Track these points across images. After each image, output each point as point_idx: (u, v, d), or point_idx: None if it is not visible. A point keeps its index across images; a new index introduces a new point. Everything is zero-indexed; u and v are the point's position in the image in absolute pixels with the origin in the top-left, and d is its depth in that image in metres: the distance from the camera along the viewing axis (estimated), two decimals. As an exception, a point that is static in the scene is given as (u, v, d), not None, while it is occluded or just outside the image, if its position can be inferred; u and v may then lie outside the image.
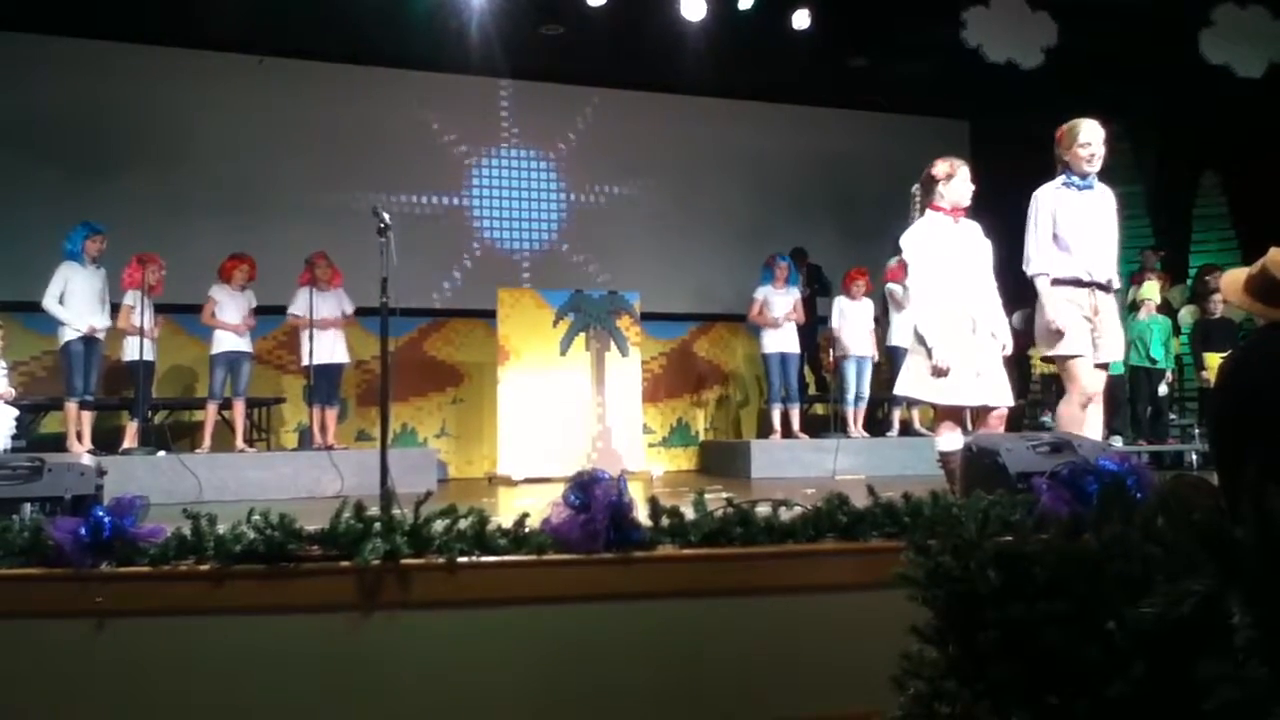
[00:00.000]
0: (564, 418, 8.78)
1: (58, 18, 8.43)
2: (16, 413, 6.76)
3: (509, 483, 8.33)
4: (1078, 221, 4.61)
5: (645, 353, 9.67)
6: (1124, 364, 8.76)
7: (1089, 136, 4.66)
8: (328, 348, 7.93)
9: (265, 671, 3.04)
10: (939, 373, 4.50)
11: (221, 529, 3.12)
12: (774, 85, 10.26)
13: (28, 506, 3.73)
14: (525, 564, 3.18)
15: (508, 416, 8.77)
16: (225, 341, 7.75)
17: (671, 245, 10.42)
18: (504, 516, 3.36)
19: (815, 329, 9.53)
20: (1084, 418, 4.53)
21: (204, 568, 3.06)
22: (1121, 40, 8.52)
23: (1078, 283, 4.60)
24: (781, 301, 8.90)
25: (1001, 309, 4.81)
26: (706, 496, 3.44)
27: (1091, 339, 4.56)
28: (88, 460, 4.20)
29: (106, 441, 7.60)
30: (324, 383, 7.97)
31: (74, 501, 3.81)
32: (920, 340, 4.60)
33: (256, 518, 3.10)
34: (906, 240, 4.74)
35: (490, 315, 9.13)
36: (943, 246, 4.64)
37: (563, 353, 8.96)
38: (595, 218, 10.45)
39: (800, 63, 9.47)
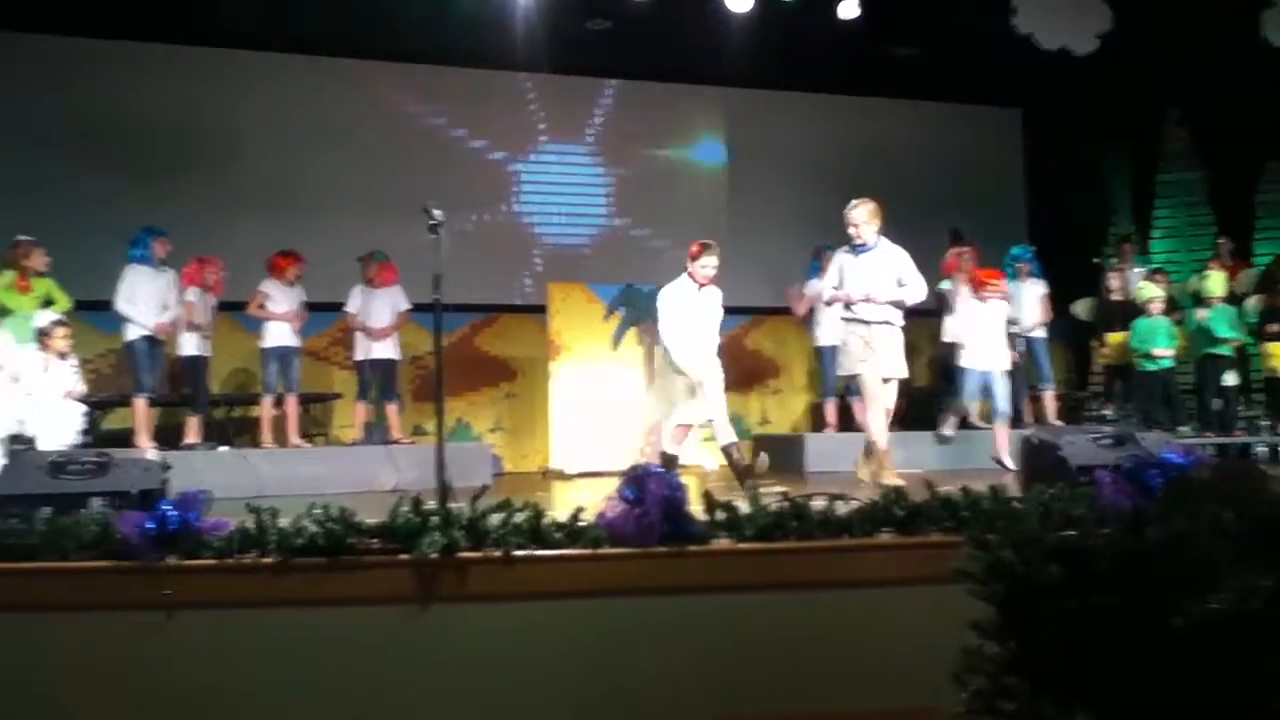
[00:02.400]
0: (616, 412, 8.79)
1: (112, 21, 8.58)
2: (85, 409, 6.91)
3: (562, 477, 8.37)
4: (854, 278, 6.13)
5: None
6: (1173, 357, 8.58)
7: (852, 219, 6.17)
8: (380, 344, 8.01)
9: (326, 662, 3.10)
10: (692, 389, 6.28)
11: (283, 522, 3.17)
12: (821, 76, 10.16)
13: (96, 501, 3.81)
14: (580, 558, 3.21)
15: (560, 411, 8.81)
16: (276, 336, 7.85)
17: (722, 238, 10.36)
18: (559, 511, 3.39)
19: None
20: (882, 415, 6.07)
21: (267, 560, 3.12)
22: (1179, 23, 8.33)
23: (859, 321, 6.11)
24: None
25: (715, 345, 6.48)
26: (761, 491, 3.44)
27: (874, 362, 6.04)
28: (153, 455, 4.29)
29: (167, 437, 7.75)
30: (379, 379, 8.06)
31: (140, 496, 3.89)
32: (679, 371, 6.36)
33: (317, 511, 3.16)
34: (661, 296, 6.51)
35: (541, 310, 9.17)
36: (685, 305, 6.39)
37: (614, 347, 8.97)
38: (643, 212, 10.43)
39: (848, 53, 9.39)
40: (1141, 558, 1.92)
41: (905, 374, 6.22)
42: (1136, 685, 1.80)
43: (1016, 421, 8.68)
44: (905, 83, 10.31)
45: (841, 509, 3.39)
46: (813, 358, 9.57)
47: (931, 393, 10.02)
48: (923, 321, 10.19)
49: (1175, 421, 8.48)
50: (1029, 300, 8.59)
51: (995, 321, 7.63)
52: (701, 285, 6.46)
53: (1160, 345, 8.46)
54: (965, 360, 7.57)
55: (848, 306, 6.17)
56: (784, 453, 9.01)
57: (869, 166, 10.53)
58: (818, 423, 9.64)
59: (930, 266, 9.09)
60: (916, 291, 6.25)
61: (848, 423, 8.87)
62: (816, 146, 10.53)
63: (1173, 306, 8.95)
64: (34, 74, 8.81)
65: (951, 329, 8.69)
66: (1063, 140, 10.41)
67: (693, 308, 6.42)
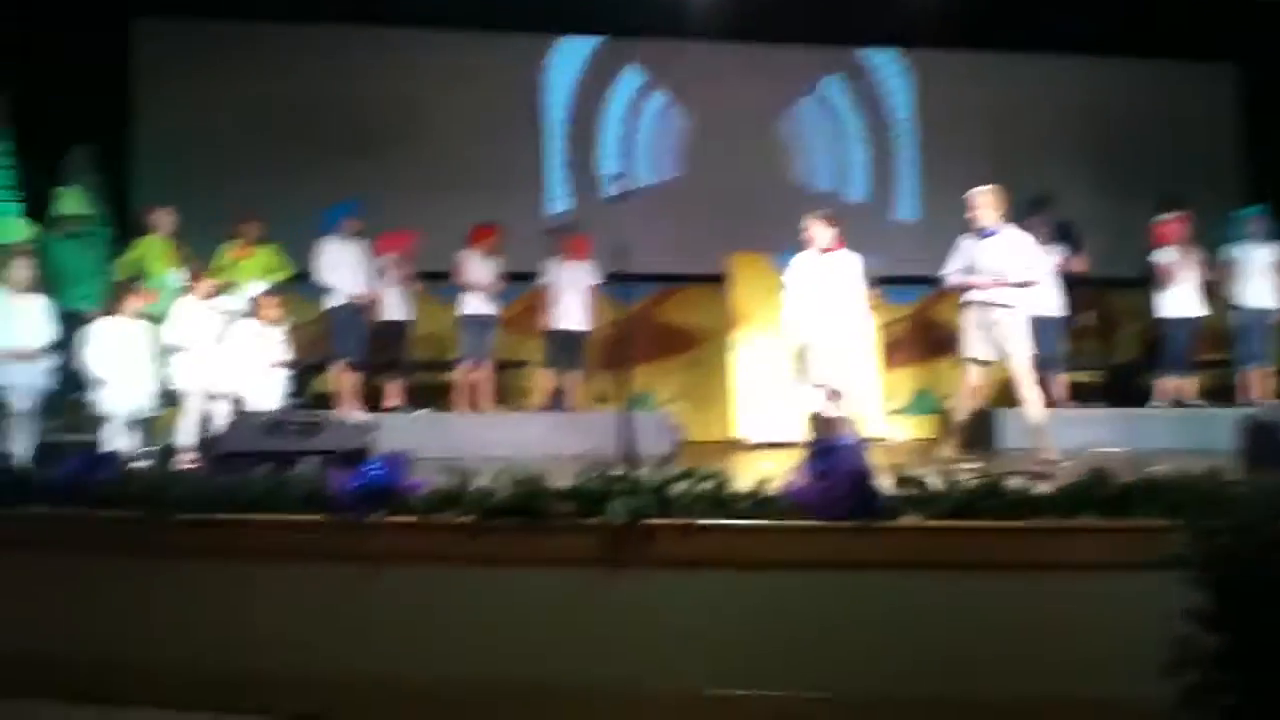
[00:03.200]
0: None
1: (313, 6, 9.07)
2: (287, 373, 7.35)
3: (744, 446, 8.35)
4: (978, 262, 6.29)
5: (883, 317, 9.41)
6: None
7: (973, 203, 6.34)
8: (572, 315, 8.19)
9: (516, 621, 3.20)
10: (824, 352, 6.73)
11: (479, 484, 3.29)
12: (1017, 33, 9.66)
13: (308, 459, 4.06)
14: (765, 529, 3.19)
15: (742, 380, 8.78)
16: (474, 304, 8.14)
17: (911, 205, 10.10)
18: (740, 481, 3.38)
19: (1073, 290, 8.88)
20: (969, 399, 6.56)
21: (464, 520, 3.24)
22: None
23: (979, 304, 6.28)
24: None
25: (852, 313, 6.90)
26: (955, 467, 3.33)
27: (988, 344, 6.26)
28: (359, 417, 4.54)
29: (368, 401, 8.15)
30: (567, 348, 8.24)
31: (348, 455, 4.12)
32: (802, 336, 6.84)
33: (510, 473, 3.26)
34: (788, 269, 6.98)
35: (724, 280, 9.15)
36: (803, 272, 6.86)
37: (797, 317, 8.85)
38: (831, 181, 10.25)
39: (1046, 8, 8.91)
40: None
41: (1028, 354, 6.32)
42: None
43: (1235, 399, 8.10)
44: (1107, 40, 9.69)
45: (1040, 488, 3.24)
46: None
47: (1136, 367, 9.47)
48: (1128, 293, 9.65)
49: None
50: (1258, 268, 7.95)
51: None
52: (823, 251, 6.85)
53: None
54: None
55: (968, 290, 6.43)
56: (975, 428, 8.69)
57: (1070, 128, 10.06)
58: (1011, 397, 9.23)
59: (1138, 234, 8.57)
60: (1032, 275, 6.45)
61: (1046, 398, 8.46)
62: (1013, 109, 10.08)
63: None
64: (241, 60, 9.43)
65: (1167, 304, 8.13)
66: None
67: (812, 274, 6.85)
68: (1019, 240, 6.43)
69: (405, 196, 9.02)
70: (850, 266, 6.92)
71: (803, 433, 7.52)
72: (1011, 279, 6.26)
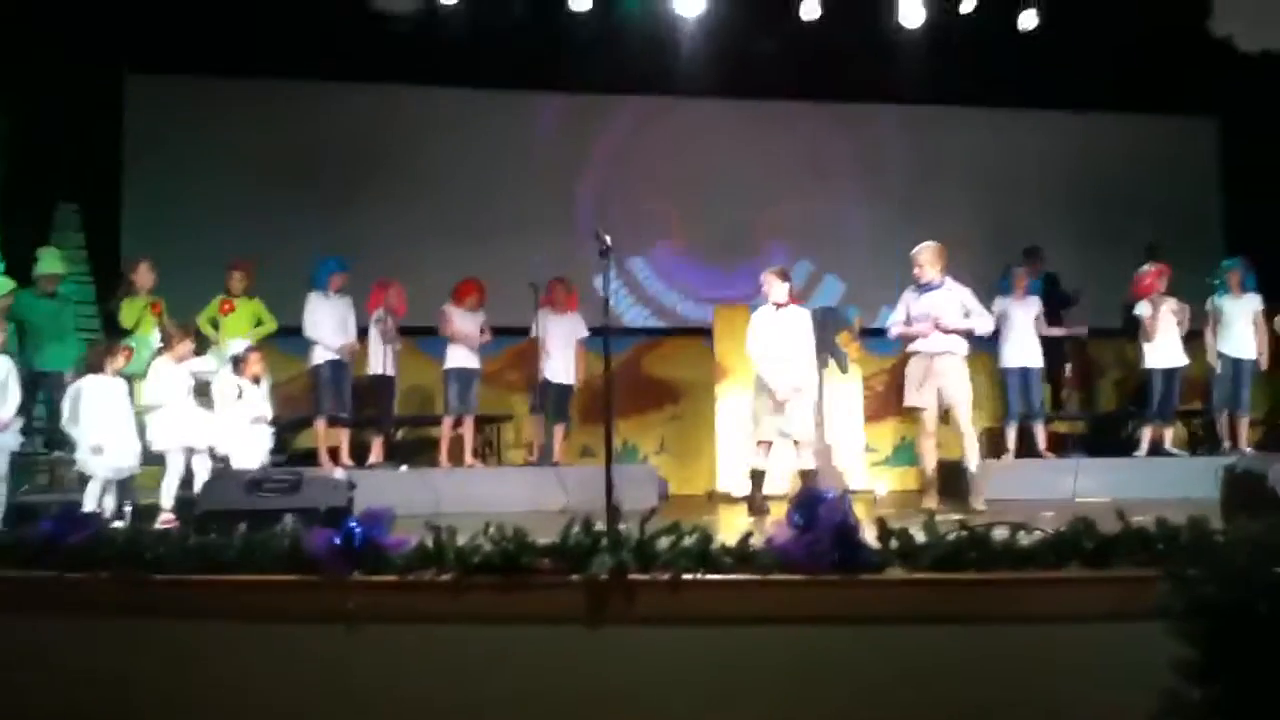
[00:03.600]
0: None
1: (304, 64, 9.14)
2: (273, 430, 7.31)
3: (729, 500, 8.32)
4: (918, 313, 6.79)
5: (866, 369, 9.45)
6: None
7: (917, 260, 6.85)
8: (560, 369, 8.20)
9: (498, 679, 3.15)
10: (778, 406, 6.90)
11: (460, 540, 3.26)
12: (1002, 89, 9.82)
13: (288, 517, 4.02)
14: (749, 584, 3.16)
15: (727, 434, 8.77)
16: (458, 358, 8.14)
17: (894, 258, 10.16)
18: (726, 534, 3.36)
19: (1060, 343, 8.96)
20: (931, 446, 6.85)
21: (445, 578, 3.20)
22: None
23: (922, 353, 6.77)
24: (1023, 314, 8.37)
25: (804, 367, 7.07)
26: (938, 518, 3.32)
27: (932, 392, 6.71)
28: (340, 474, 4.51)
29: (355, 457, 8.10)
30: (553, 401, 8.23)
31: (328, 513, 4.08)
32: (763, 388, 6.97)
33: (492, 530, 3.23)
34: (751, 323, 7.17)
35: (708, 333, 9.18)
36: (761, 327, 7.08)
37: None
38: (814, 232, 10.33)
39: (1030, 64, 9.06)
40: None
41: (969, 400, 6.71)
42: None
43: (1216, 448, 8.14)
44: (1089, 94, 9.86)
45: (1025, 539, 3.23)
46: (994, 380, 9.15)
47: (1118, 417, 9.51)
48: (1109, 342, 9.73)
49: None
50: (1241, 317, 8.05)
51: None
52: (778, 307, 7.07)
53: None
54: None
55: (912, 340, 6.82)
56: (961, 479, 8.69)
57: (1054, 182, 10.20)
58: (996, 448, 9.25)
59: (1122, 285, 8.64)
60: (982, 322, 6.88)
61: (1029, 448, 8.50)
62: (998, 162, 10.21)
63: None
64: (232, 115, 9.49)
65: (1151, 355, 8.17)
66: (1266, 149, 9.74)
67: (769, 329, 7.06)
68: (959, 293, 6.84)
69: (395, 249, 9.08)
70: (802, 321, 7.17)
71: (745, 486, 7.47)
72: (949, 327, 6.65)
